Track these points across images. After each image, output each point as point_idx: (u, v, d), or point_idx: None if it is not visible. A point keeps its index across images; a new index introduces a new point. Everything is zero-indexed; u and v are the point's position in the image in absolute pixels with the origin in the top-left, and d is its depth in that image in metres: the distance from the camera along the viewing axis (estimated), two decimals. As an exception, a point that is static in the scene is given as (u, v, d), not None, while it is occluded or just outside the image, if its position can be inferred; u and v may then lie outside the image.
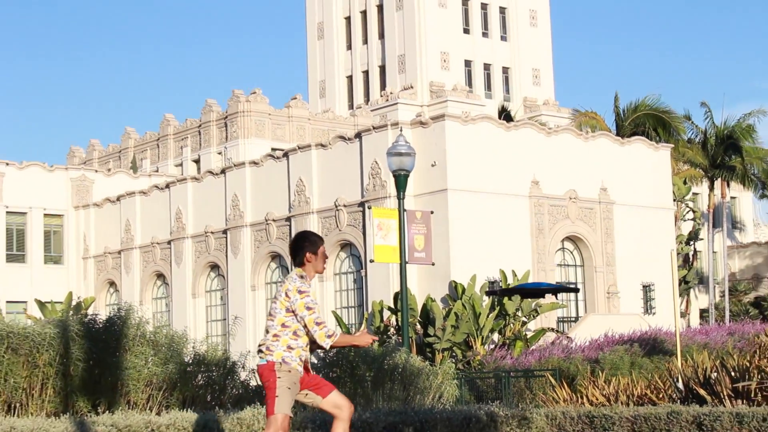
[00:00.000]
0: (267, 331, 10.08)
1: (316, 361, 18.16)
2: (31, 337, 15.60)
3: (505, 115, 68.00)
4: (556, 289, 39.67)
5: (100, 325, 16.69)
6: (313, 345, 10.06)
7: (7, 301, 58.89)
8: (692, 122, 62.97)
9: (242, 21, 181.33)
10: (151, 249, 60.00)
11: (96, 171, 68.21)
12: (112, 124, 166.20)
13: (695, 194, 69.08)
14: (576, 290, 41.53)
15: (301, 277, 10.07)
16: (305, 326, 9.91)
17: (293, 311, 9.94)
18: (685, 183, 62.33)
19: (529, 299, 41.27)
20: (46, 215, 64.39)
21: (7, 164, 63.57)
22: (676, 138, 59.85)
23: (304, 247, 10.16)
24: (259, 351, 10.05)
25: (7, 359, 15.35)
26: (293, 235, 50.20)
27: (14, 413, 15.22)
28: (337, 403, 10.12)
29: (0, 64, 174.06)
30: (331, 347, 10.07)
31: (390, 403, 17.67)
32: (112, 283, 63.30)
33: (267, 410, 9.90)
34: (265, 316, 53.11)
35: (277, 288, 10.27)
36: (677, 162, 60.38)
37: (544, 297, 41.63)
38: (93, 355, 16.10)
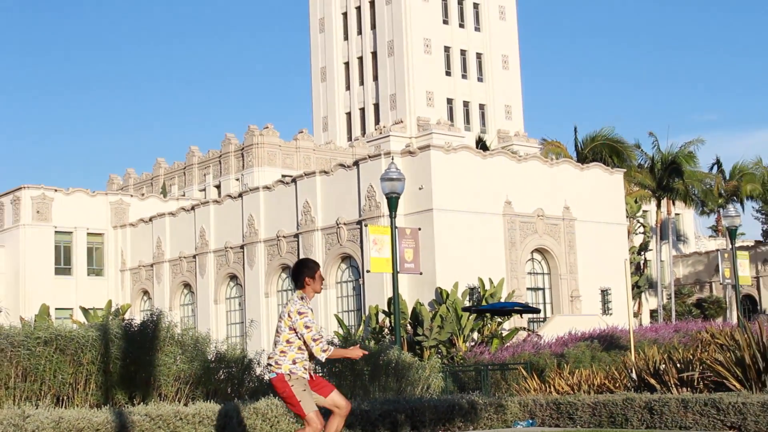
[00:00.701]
0: (275, 345, 10.25)
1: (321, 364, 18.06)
2: (76, 339, 15.56)
3: (481, 145, 68.10)
4: (521, 310, 39.21)
5: (136, 329, 16.66)
6: (311, 358, 10.21)
7: (56, 308, 58.64)
8: (642, 150, 63.12)
9: (256, 66, 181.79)
10: (179, 262, 59.86)
11: (131, 196, 68.09)
12: (146, 155, 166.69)
13: (645, 211, 69.09)
14: (537, 311, 41.12)
15: (302, 298, 10.24)
16: (304, 342, 10.06)
17: (294, 329, 10.09)
18: (636, 202, 62.36)
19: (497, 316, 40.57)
20: (89, 234, 64.31)
21: (56, 191, 63.61)
22: (628, 163, 59.94)
23: (303, 272, 10.33)
24: (268, 365, 10.21)
25: (55, 358, 15.31)
26: (299, 252, 50.26)
27: (62, 405, 15.18)
28: (336, 403, 10.26)
29: (51, 105, 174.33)
30: (327, 359, 10.27)
31: (385, 393, 17.63)
32: (145, 292, 63.13)
33: (299, 415, 10.05)
34: (277, 319, 53.06)
35: (282, 309, 10.34)
36: (629, 184, 60.43)
37: (511, 315, 41.03)
38: (129, 354, 16.06)
